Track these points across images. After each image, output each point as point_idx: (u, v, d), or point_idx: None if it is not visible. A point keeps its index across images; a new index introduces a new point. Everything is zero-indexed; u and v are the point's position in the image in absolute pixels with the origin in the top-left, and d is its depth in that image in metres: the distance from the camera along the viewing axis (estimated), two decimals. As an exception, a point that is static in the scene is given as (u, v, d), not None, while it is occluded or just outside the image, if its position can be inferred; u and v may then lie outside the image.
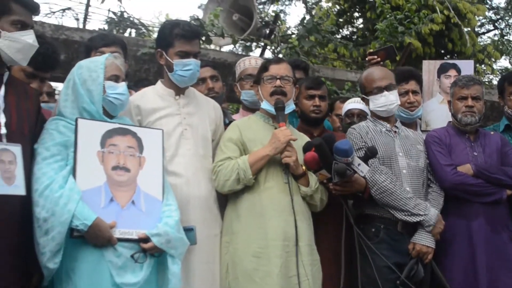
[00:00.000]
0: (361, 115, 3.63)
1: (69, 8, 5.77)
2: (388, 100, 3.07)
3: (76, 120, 2.34)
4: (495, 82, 9.96)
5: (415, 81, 3.54)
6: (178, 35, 2.81)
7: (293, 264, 2.65)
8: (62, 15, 5.82)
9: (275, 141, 2.73)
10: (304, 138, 2.98)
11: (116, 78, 2.51)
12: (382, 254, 2.80)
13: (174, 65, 2.81)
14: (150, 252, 2.32)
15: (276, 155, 2.75)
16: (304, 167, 2.80)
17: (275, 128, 2.83)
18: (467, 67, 3.94)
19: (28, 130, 2.33)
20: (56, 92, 3.77)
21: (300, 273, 2.64)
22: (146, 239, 2.31)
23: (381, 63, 3.63)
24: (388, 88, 3.09)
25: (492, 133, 3.32)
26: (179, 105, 2.88)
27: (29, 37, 2.29)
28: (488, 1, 11.98)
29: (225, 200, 2.88)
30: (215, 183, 2.78)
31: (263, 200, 2.73)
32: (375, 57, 3.74)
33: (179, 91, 2.91)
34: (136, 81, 4.14)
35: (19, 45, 2.26)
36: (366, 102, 3.19)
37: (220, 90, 3.49)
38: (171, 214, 2.43)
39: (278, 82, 2.86)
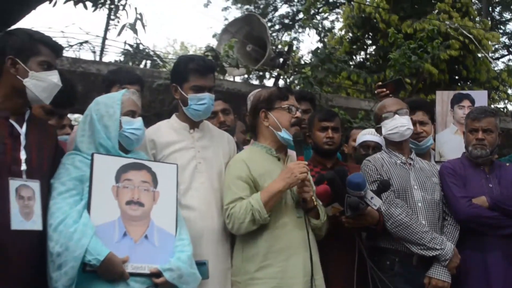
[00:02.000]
0: (376, 148, 3.63)
1: (86, 41, 5.90)
2: (399, 123, 3.08)
3: (92, 155, 2.37)
4: (510, 107, 9.89)
5: (422, 112, 3.51)
6: (192, 69, 2.84)
7: None
8: (80, 48, 5.95)
9: (289, 175, 2.65)
10: None
11: (132, 114, 2.56)
12: (397, 287, 2.77)
13: (188, 99, 2.84)
14: (162, 287, 2.32)
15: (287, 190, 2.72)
16: (315, 200, 2.78)
17: (278, 160, 2.82)
18: (481, 97, 3.93)
19: (47, 166, 2.39)
20: (74, 123, 3.83)
21: None
22: (158, 274, 2.31)
23: (390, 95, 3.63)
24: (398, 112, 3.10)
25: (507, 164, 3.29)
26: (194, 138, 2.90)
27: (54, 77, 2.39)
28: (501, 27, 12.00)
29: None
30: (229, 226, 2.69)
31: (278, 237, 2.67)
32: (384, 90, 3.76)
33: (193, 124, 2.94)
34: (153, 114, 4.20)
35: (45, 84, 2.35)
36: (380, 132, 3.20)
37: (231, 123, 3.52)
38: (183, 249, 2.43)
39: (298, 113, 2.84)
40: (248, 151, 2.95)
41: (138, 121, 2.57)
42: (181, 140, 2.87)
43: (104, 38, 5.82)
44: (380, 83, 4.02)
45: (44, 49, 2.38)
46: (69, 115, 3.72)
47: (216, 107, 3.39)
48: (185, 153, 2.83)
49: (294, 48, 8.98)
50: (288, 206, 2.75)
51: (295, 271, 2.63)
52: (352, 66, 7.35)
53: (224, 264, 2.77)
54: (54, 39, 2.50)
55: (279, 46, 7.47)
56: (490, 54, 10.96)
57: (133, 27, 5.46)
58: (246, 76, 6.17)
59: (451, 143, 3.75)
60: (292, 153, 2.97)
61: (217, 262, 2.72)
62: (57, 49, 2.47)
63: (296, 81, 5.48)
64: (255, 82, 6.61)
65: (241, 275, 2.69)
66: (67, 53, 5.74)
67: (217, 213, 2.79)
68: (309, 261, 2.66)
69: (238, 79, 6.43)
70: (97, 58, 5.76)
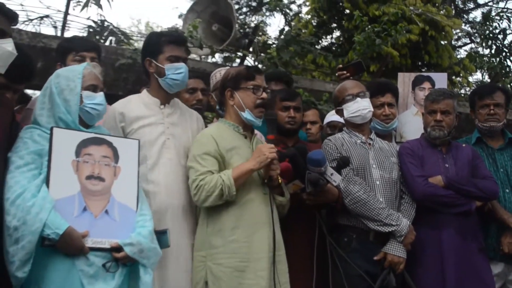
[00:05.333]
0: (342, 129, 3.68)
1: (47, 16, 5.74)
2: (361, 106, 3.14)
3: (51, 129, 2.33)
4: (470, 93, 10.11)
5: (391, 94, 3.59)
6: (167, 41, 2.87)
7: (272, 274, 2.65)
8: (40, 23, 5.78)
9: (260, 155, 2.67)
10: None
11: (94, 88, 2.52)
12: (354, 263, 2.85)
13: (165, 69, 2.84)
14: (122, 261, 2.32)
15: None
16: (279, 178, 2.82)
17: (245, 137, 2.84)
18: (440, 79, 4.04)
19: (2, 139, 2.33)
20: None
21: (281, 281, 2.67)
22: (118, 249, 2.31)
23: (351, 78, 3.68)
24: (360, 95, 3.16)
25: (464, 145, 3.40)
26: (164, 114, 2.90)
27: (8, 45, 2.31)
28: (464, 15, 12.22)
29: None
30: (195, 198, 2.69)
31: (245, 212, 2.69)
32: (345, 72, 3.81)
33: (164, 100, 2.93)
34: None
35: None
36: (340, 113, 3.25)
37: (205, 104, 3.58)
38: (144, 224, 2.43)
39: (264, 94, 2.82)
40: (215, 127, 2.93)
41: (100, 96, 2.53)
42: (151, 115, 2.86)
43: (66, 13, 5.65)
44: (340, 66, 4.06)
45: None
46: (27, 91, 3.64)
47: (198, 85, 3.53)
48: (154, 128, 2.83)
49: (261, 30, 8.94)
50: (255, 183, 2.77)
51: (260, 247, 2.66)
52: (318, 50, 7.37)
53: (188, 240, 2.79)
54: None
55: (247, 29, 7.45)
56: (453, 42, 11.19)
57: (97, 2, 5.33)
58: (211, 56, 6.12)
59: (411, 124, 3.84)
60: (258, 132, 3.01)
61: (181, 237, 2.74)
62: (11, 16, 2.39)
63: (262, 62, 5.47)
64: (222, 62, 6.56)
65: (206, 249, 2.69)
66: (27, 28, 5.59)
67: (183, 189, 2.81)
68: (272, 236, 2.69)
69: (204, 58, 6.38)
70: (59, 34, 5.61)
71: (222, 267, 2.63)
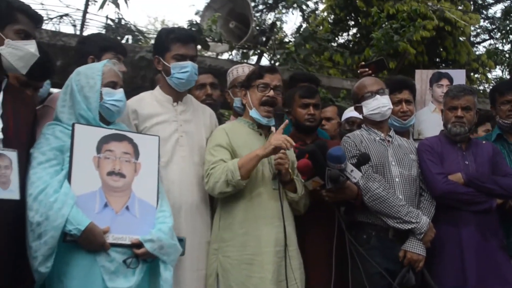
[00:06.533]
0: (361, 125, 3.67)
1: (66, 15, 5.78)
2: (381, 103, 3.11)
3: (72, 125, 2.36)
4: (489, 90, 10.00)
5: (408, 91, 3.57)
6: (174, 39, 2.86)
7: (283, 269, 2.68)
8: (60, 22, 5.83)
9: (267, 145, 2.70)
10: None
11: (113, 85, 2.54)
12: (373, 260, 2.83)
13: (171, 68, 2.85)
14: (143, 257, 2.34)
15: (266, 162, 2.78)
16: (292, 174, 2.83)
17: (260, 134, 2.88)
18: (459, 76, 3.99)
19: (25, 135, 2.37)
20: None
21: (289, 277, 2.68)
22: (139, 245, 2.33)
23: (373, 75, 3.66)
24: (379, 92, 3.14)
25: (484, 142, 3.36)
26: (177, 111, 2.91)
27: (31, 46, 2.35)
28: (483, 11, 12.07)
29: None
30: (206, 186, 2.77)
31: (254, 207, 2.75)
32: (367, 69, 3.79)
33: (177, 97, 2.94)
34: (133, 88, 4.15)
35: (21, 53, 2.31)
36: (359, 110, 3.24)
37: (217, 98, 3.54)
38: (164, 221, 2.44)
39: (271, 93, 2.87)
40: (231, 123, 3.03)
41: (119, 93, 2.55)
42: (164, 112, 2.88)
43: (85, 12, 5.70)
44: (363, 63, 4.04)
45: (22, 18, 2.34)
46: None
47: (206, 80, 3.48)
48: (168, 126, 2.84)
49: (277, 28, 8.93)
50: (265, 177, 2.81)
51: (268, 241, 2.70)
52: (334, 47, 7.34)
53: (203, 237, 2.82)
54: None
55: (263, 26, 7.43)
56: (472, 39, 11.06)
57: (115, 1, 5.37)
58: (229, 53, 6.14)
59: (429, 121, 3.81)
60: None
61: (195, 235, 2.76)
62: (36, 18, 2.43)
63: (279, 58, 5.46)
64: (239, 59, 6.57)
65: (218, 243, 2.77)
66: (47, 26, 5.64)
67: (196, 187, 2.83)
68: (282, 231, 2.71)
69: (221, 56, 6.40)
70: (78, 32, 5.66)
71: (230, 259, 2.70)
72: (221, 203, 2.82)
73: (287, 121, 2.76)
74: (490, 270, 2.96)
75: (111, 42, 3.26)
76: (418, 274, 2.93)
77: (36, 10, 2.46)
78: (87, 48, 3.07)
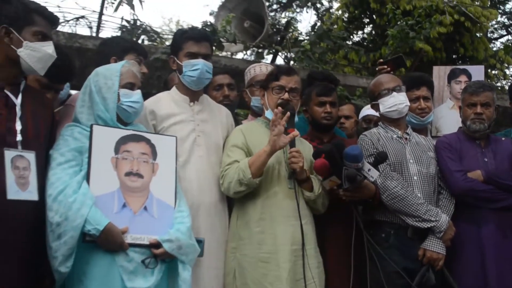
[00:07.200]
0: (378, 123, 3.64)
1: (82, 17, 5.86)
2: (398, 100, 3.09)
3: (91, 127, 2.38)
4: (507, 87, 9.87)
5: (426, 87, 3.54)
6: (187, 37, 2.90)
7: (300, 268, 2.69)
8: (76, 24, 5.90)
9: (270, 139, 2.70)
10: (306, 145, 3.01)
11: (131, 86, 2.55)
12: (392, 259, 2.82)
13: (183, 66, 2.88)
14: (161, 258, 2.35)
15: (283, 161, 2.79)
16: (308, 172, 2.83)
17: None
18: (477, 72, 3.94)
19: (43, 137, 2.39)
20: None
21: (307, 276, 2.67)
22: (157, 245, 2.33)
23: (391, 72, 3.63)
24: (396, 89, 3.11)
25: (503, 139, 3.31)
26: (193, 111, 2.93)
27: (49, 48, 2.37)
28: (501, 6, 11.90)
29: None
30: (222, 188, 2.79)
31: (270, 205, 2.76)
32: (385, 67, 3.76)
33: (193, 97, 2.96)
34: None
35: (39, 54, 2.34)
36: (376, 108, 3.21)
37: (234, 99, 3.55)
38: (183, 221, 2.45)
39: (286, 95, 2.87)
40: (248, 123, 3.06)
41: (137, 94, 2.56)
42: (181, 112, 2.89)
43: (101, 14, 5.77)
44: (381, 60, 4.02)
45: (39, 19, 2.36)
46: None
47: (223, 80, 3.49)
48: (185, 125, 2.85)
49: (292, 26, 8.91)
50: (281, 177, 2.82)
51: (283, 239, 2.70)
52: (349, 45, 7.30)
53: (220, 237, 2.82)
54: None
55: (278, 25, 7.43)
56: (489, 34, 10.91)
57: (130, 2, 5.42)
58: (243, 53, 6.14)
59: (447, 118, 3.77)
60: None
61: (213, 234, 2.77)
62: (52, 20, 2.45)
63: (294, 56, 5.45)
64: (253, 59, 6.57)
65: (235, 241, 2.79)
66: (63, 28, 5.71)
67: (214, 186, 2.84)
68: (299, 230, 2.71)
69: (235, 55, 6.41)
70: (94, 34, 5.72)
71: (247, 257, 2.71)
72: (238, 202, 2.83)
73: (288, 113, 2.74)
74: (511, 268, 2.92)
75: (132, 43, 3.29)
76: (438, 273, 2.90)
77: (52, 12, 2.48)
78: (109, 49, 3.08)
